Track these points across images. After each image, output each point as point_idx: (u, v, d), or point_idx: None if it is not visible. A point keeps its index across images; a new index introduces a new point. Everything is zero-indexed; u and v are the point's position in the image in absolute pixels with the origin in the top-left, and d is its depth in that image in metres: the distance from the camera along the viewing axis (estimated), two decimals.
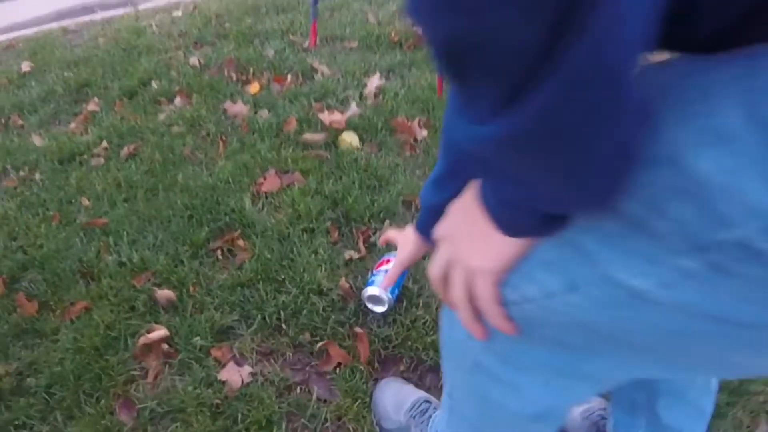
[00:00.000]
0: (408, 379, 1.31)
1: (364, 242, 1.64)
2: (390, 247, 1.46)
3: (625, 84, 0.36)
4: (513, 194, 0.48)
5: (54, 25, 3.80)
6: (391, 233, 1.36)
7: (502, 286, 0.57)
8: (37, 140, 2.34)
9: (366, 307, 1.44)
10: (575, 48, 0.33)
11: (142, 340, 1.44)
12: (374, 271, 1.46)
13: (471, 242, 0.57)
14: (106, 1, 4.17)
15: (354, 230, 1.70)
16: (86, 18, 3.83)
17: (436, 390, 1.28)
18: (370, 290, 1.40)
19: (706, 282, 0.42)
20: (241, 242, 1.68)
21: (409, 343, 1.36)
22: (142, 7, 3.86)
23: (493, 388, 0.68)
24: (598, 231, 0.48)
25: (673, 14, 0.37)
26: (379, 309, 1.43)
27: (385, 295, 1.39)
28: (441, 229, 0.61)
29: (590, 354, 0.58)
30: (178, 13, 3.47)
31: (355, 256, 1.60)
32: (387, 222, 1.71)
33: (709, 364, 0.54)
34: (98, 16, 3.80)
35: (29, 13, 4.22)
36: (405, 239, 1.27)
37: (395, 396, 1.22)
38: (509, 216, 0.51)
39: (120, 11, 3.88)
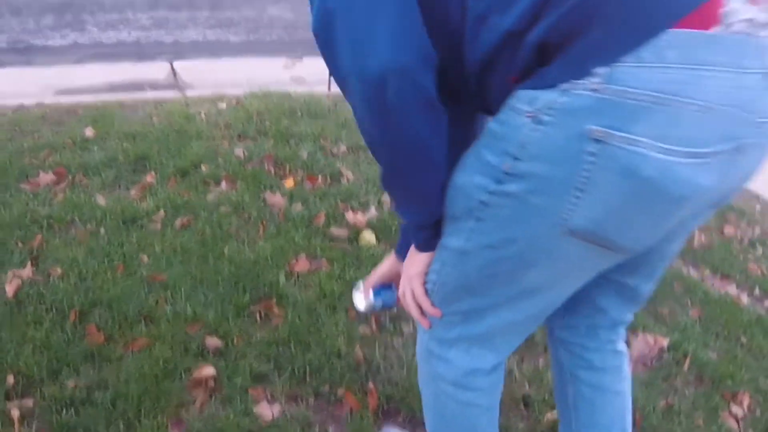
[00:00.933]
0: (404, 428, 1.69)
1: (375, 322, 2.05)
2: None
3: (418, 151, 0.91)
4: (411, 218, 1.03)
5: (110, 96, 4.30)
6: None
7: (425, 283, 1.08)
8: (100, 200, 2.75)
9: (352, 300, 1.43)
10: (388, 134, 0.88)
11: (194, 375, 1.82)
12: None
13: (409, 263, 1.10)
14: (155, 81, 4.71)
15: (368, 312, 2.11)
16: (138, 95, 4.33)
17: None
18: (360, 284, 1.38)
19: (479, 229, 0.93)
20: (276, 309, 2.09)
21: (407, 401, 1.76)
22: (188, 93, 4.40)
23: (437, 364, 1.13)
24: (446, 231, 1.00)
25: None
26: (360, 305, 1.39)
27: (370, 295, 1.37)
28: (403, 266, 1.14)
29: (475, 317, 1.04)
30: (223, 105, 3.99)
31: (368, 332, 2.01)
32: (395, 309, 2.13)
33: (527, 289, 0.98)
34: (150, 95, 4.31)
35: (83, 80, 4.72)
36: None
37: None
38: (417, 238, 1.05)
39: (169, 93, 4.40)
